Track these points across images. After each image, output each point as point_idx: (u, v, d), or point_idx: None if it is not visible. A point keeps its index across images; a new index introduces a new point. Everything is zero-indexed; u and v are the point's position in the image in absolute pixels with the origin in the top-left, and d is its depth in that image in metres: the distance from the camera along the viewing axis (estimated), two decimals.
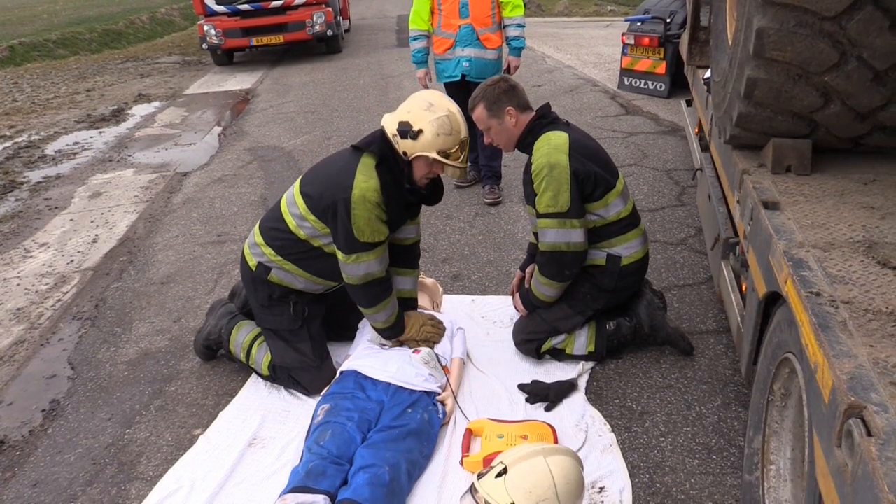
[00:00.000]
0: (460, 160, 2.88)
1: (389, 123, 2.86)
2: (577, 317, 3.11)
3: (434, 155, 2.80)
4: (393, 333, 3.08)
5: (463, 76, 5.04)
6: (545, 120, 3.06)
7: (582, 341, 3.13)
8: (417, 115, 2.79)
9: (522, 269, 3.55)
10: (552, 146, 2.92)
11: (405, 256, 3.20)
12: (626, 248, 3.06)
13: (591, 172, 2.93)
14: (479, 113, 3.10)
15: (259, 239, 3.08)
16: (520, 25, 5.04)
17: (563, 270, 3.01)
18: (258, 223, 3.18)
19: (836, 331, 1.45)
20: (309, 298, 3.15)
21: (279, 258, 3.01)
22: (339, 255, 2.88)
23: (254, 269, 3.07)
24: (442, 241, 4.66)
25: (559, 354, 3.16)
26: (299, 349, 3.08)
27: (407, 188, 2.94)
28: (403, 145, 2.81)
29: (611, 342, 3.14)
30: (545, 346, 3.14)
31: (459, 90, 5.21)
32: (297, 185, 3.02)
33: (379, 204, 2.79)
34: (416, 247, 3.26)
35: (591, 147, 3.09)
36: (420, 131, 2.77)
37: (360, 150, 2.88)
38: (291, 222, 2.96)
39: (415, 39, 5.17)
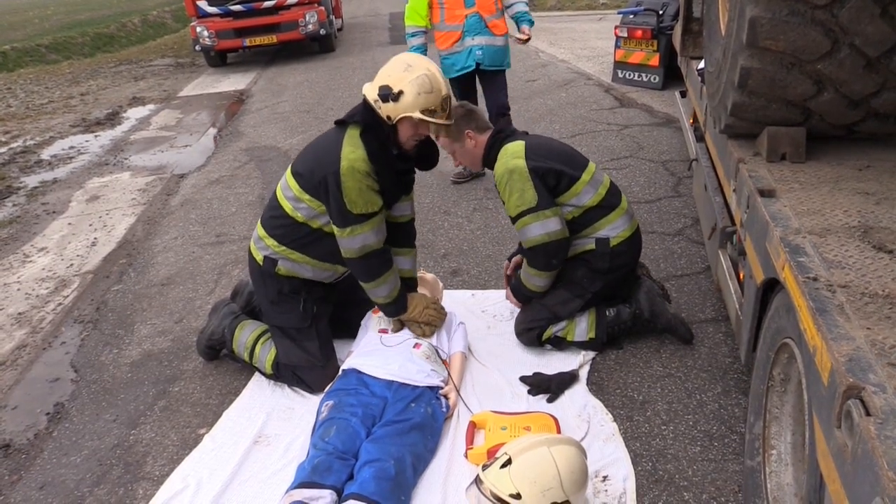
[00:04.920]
0: (444, 117, 2.89)
1: (370, 91, 2.85)
2: (576, 300, 3.14)
3: (418, 114, 2.78)
4: (396, 310, 3.09)
5: (477, 65, 5.05)
6: (503, 134, 3.17)
7: (582, 328, 3.16)
8: (397, 78, 2.79)
9: (510, 258, 3.62)
10: (508, 154, 3.04)
11: (401, 235, 3.21)
12: (611, 229, 3.10)
13: (551, 168, 3.02)
14: (442, 139, 3.19)
15: (261, 232, 3.09)
16: (525, 2, 5.12)
17: (550, 260, 3.08)
18: (259, 218, 3.19)
19: (833, 314, 1.48)
20: (318, 296, 3.16)
21: (283, 247, 3.02)
22: (335, 230, 2.89)
23: (261, 263, 3.09)
24: (440, 236, 4.67)
25: (560, 343, 3.19)
26: (306, 348, 3.09)
27: (396, 154, 2.93)
28: (386, 109, 2.80)
29: (611, 329, 3.17)
30: (546, 334, 3.17)
31: (468, 83, 5.24)
32: (289, 168, 3.04)
33: (368, 173, 2.79)
34: (411, 225, 3.27)
35: (549, 146, 3.20)
36: (401, 92, 2.76)
37: (345, 123, 2.89)
38: (288, 206, 2.97)
39: (412, 36, 5.14)
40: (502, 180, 3.02)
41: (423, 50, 5.14)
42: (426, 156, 3.10)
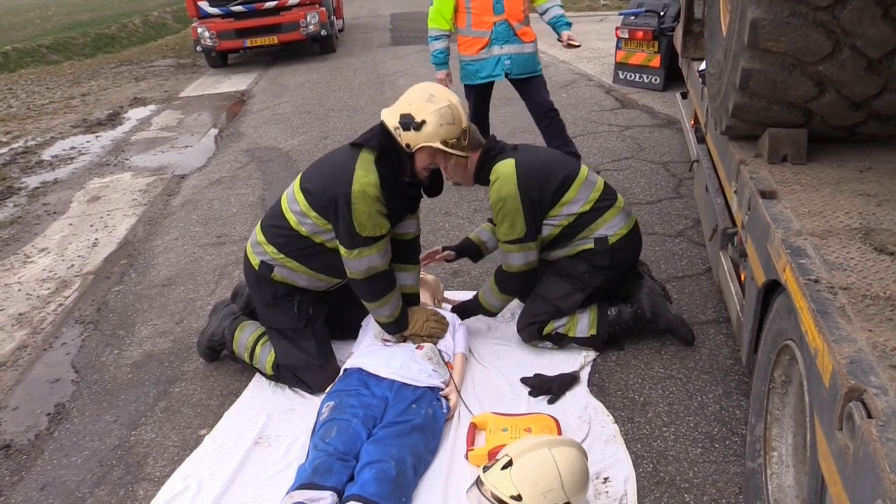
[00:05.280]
0: (463, 149, 2.91)
1: (390, 117, 2.87)
2: (578, 294, 3.16)
3: (438, 145, 2.82)
4: (397, 328, 3.10)
5: (506, 74, 4.90)
6: (493, 152, 3.18)
7: (584, 324, 3.17)
8: (420, 107, 2.81)
9: (444, 248, 3.70)
10: (501, 178, 3.05)
11: (406, 252, 3.22)
12: (608, 228, 3.13)
13: (544, 189, 3.06)
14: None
15: (261, 237, 3.09)
16: (560, 6, 4.95)
17: (522, 288, 3.26)
18: (259, 222, 3.19)
19: (835, 316, 1.47)
20: (313, 297, 3.17)
21: (281, 256, 3.03)
22: (342, 250, 2.91)
23: (257, 267, 3.09)
24: (441, 237, 4.67)
25: (562, 339, 3.19)
26: (303, 348, 3.09)
27: (407, 182, 2.96)
28: (406, 137, 2.82)
29: (613, 328, 3.18)
30: (547, 329, 3.18)
31: (486, 92, 5.12)
32: (297, 181, 3.04)
33: (378, 198, 2.81)
34: (416, 242, 3.28)
35: (539, 160, 3.21)
36: (423, 122, 2.78)
37: (360, 146, 2.90)
38: (293, 219, 2.98)
39: (435, 39, 4.96)
40: (496, 206, 3.08)
41: (445, 54, 5.00)
42: (433, 183, 3.12)
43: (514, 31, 4.80)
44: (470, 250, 3.66)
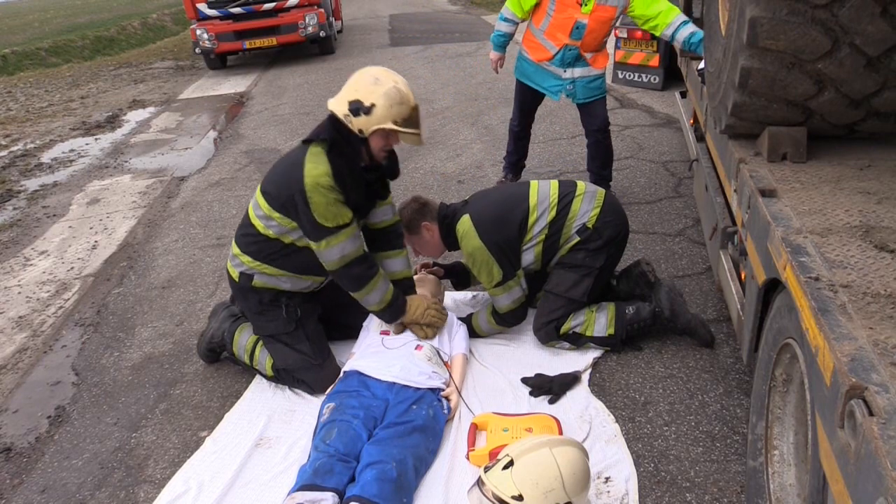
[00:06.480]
0: (415, 127, 2.87)
1: (338, 106, 2.84)
2: (586, 279, 3.17)
3: (390, 125, 2.78)
4: (393, 315, 3.10)
5: (567, 96, 4.58)
6: (448, 219, 3.27)
7: (602, 324, 3.17)
8: (367, 91, 2.78)
9: (436, 265, 3.73)
10: (465, 236, 3.15)
11: (387, 238, 3.21)
12: (581, 217, 3.18)
13: (506, 229, 3.14)
14: (405, 235, 3.30)
15: (236, 249, 3.11)
16: (685, 21, 4.13)
17: (515, 322, 3.35)
18: (234, 236, 3.19)
19: (835, 314, 1.47)
20: (300, 299, 3.17)
21: (257, 263, 3.03)
22: (312, 245, 2.90)
23: (237, 279, 3.11)
24: None
25: (579, 339, 3.19)
26: (299, 350, 3.09)
27: (364, 167, 2.92)
28: (357, 123, 2.79)
29: (631, 327, 3.17)
30: (564, 328, 3.19)
31: (535, 101, 4.90)
32: (259, 187, 3.05)
33: (333, 187, 2.79)
34: (396, 226, 3.26)
35: (491, 203, 3.27)
36: (373, 105, 2.76)
37: (310, 141, 2.89)
38: (259, 224, 2.99)
39: (504, 20, 4.67)
40: (469, 262, 3.20)
41: (506, 39, 4.75)
42: (389, 166, 3.09)
43: (584, 59, 4.47)
44: (460, 273, 3.71)
